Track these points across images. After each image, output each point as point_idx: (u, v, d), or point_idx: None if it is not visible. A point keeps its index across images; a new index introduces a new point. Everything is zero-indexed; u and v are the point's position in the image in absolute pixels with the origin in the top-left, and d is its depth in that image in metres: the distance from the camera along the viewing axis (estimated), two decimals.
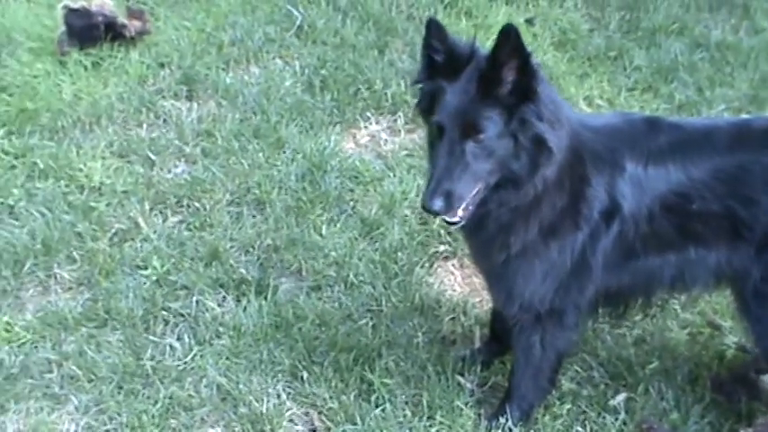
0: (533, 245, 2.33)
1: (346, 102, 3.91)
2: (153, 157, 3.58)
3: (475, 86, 2.14)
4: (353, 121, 3.84)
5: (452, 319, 2.96)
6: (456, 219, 2.19)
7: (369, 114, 3.87)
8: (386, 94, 3.94)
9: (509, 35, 2.08)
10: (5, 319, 2.83)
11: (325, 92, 3.95)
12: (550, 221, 2.30)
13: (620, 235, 2.35)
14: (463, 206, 2.17)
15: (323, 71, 4.06)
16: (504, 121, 2.13)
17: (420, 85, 2.32)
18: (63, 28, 4.13)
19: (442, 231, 3.25)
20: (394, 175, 3.51)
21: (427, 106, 2.26)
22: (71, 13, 4.12)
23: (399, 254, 3.16)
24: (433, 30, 2.18)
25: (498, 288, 2.51)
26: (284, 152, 3.60)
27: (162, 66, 4.11)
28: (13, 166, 3.48)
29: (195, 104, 3.90)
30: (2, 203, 3.31)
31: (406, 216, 3.32)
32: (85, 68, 4.05)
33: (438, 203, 2.12)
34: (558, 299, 2.41)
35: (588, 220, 2.32)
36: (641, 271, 2.45)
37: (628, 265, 2.42)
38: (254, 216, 3.31)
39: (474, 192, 2.17)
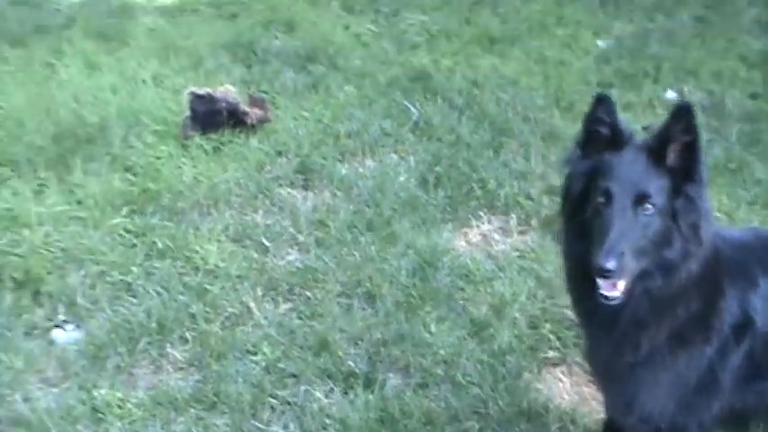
0: (660, 351, 2.27)
1: (459, 200, 3.95)
2: (267, 243, 3.65)
3: (644, 158, 2.14)
4: (466, 219, 3.87)
5: (560, 428, 2.91)
6: (616, 293, 2.13)
7: (481, 213, 3.89)
8: (499, 194, 3.97)
9: (685, 111, 2.10)
10: (119, 395, 2.89)
11: (438, 188, 4.00)
12: (681, 328, 2.24)
13: (749, 352, 2.29)
14: (626, 281, 2.11)
15: (437, 168, 4.12)
16: (669, 195, 2.12)
17: (569, 169, 2.28)
18: (187, 113, 4.30)
19: (552, 336, 3.22)
20: (504, 276, 3.50)
21: (582, 188, 2.21)
22: (196, 99, 4.29)
23: (508, 357, 3.13)
24: (603, 103, 2.19)
25: (617, 394, 2.44)
26: (396, 246, 3.63)
27: (280, 154, 4.23)
28: (134, 245, 3.59)
29: (311, 194, 3.99)
30: (121, 280, 3.40)
31: (516, 318, 3.30)
32: (206, 153, 4.19)
33: (612, 263, 2.03)
34: (681, 415, 2.35)
35: (719, 333, 2.26)
36: None
37: (754, 385, 2.36)
38: (363, 309, 3.33)
39: (638, 267, 2.11)
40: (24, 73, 4.79)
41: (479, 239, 3.79)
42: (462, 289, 3.46)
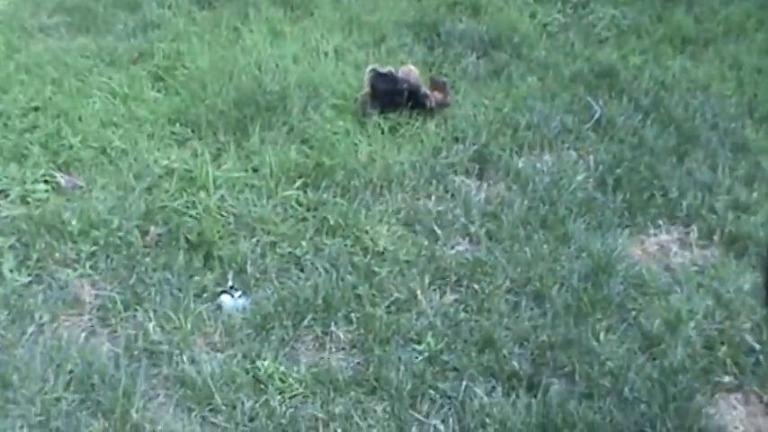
0: None
1: (638, 206, 3.82)
2: (438, 230, 3.63)
3: None
4: (644, 226, 3.75)
5: None
6: None
7: (660, 222, 3.76)
8: (681, 204, 3.83)
9: None
10: (281, 368, 2.93)
11: (617, 192, 3.89)
12: None
13: None
14: None
15: (617, 170, 4.01)
16: None
17: None
18: (367, 90, 4.31)
19: (728, 361, 3.09)
20: (681, 291, 3.38)
21: None
22: (378, 76, 4.30)
23: (680, 376, 3.02)
24: None
25: None
26: (569, 247, 3.55)
27: (456, 140, 4.19)
28: (305, 219, 3.64)
29: (485, 184, 3.95)
30: (290, 253, 3.45)
31: (691, 337, 3.18)
32: (383, 132, 4.19)
33: None
34: None
35: None
36: None
37: None
38: (531, 309, 3.27)
39: None
40: (211, 35, 4.91)
41: (656, 249, 3.66)
42: (635, 299, 3.35)
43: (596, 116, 4.40)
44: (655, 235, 3.73)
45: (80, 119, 4.11)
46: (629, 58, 4.94)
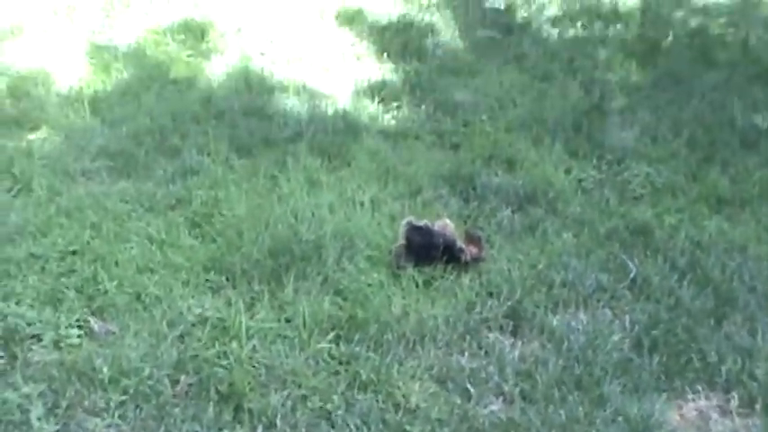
0: None
1: (675, 369, 3.80)
2: (471, 388, 3.62)
3: None
4: (681, 391, 3.71)
5: None
6: None
7: (699, 387, 3.73)
8: (719, 369, 3.80)
9: None
10: None
11: (653, 354, 3.87)
12: None
13: None
14: None
15: (653, 331, 3.99)
16: None
17: None
18: (402, 242, 4.37)
19: None
20: None
21: None
22: (413, 230, 4.36)
23: None
24: None
25: None
26: (605, 410, 3.52)
27: (491, 295, 4.21)
28: (337, 372, 3.64)
29: (519, 341, 3.94)
30: (321, 408, 3.44)
31: None
32: (417, 285, 4.23)
33: None
34: None
35: None
36: None
37: None
38: None
39: None
40: (248, 183, 5.02)
41: (695, 416, 3.62)
42: None
43: (632, 275, 4.42)
44: (693, 401, 3.69)
45: (116, 264, 4.17)
46: (664, 217, 4.98)
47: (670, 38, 7.85)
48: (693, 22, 8.38)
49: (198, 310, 3.90)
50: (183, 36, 7.00)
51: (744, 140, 6.04)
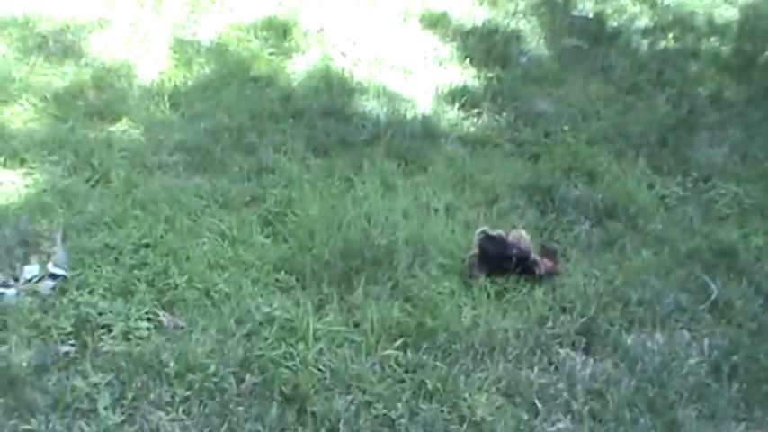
0: None
1: (756, 397, 3.71)
2: (539, 404, 3.59)
3: None
4: (761, 421, 3.63)
5: None
6: None
7: None
8: None
9: None
10: None
11: (732, 380, 3.79)
12: None
13: None
14: None
15: (734, 357, 3.91)
16: None
17: None
18: (476, 251, 4.35)
19: None
20: None
21: None
22: (487, 239, 4.33)
23: None
24: None
25: None
26: None
27: (564, 310, 4.17)
28: (402, 380, 3.64)
29: (591, 359, 3.89)
30: (385, 415, 3.44)
31: None
32: (488, 296, 4.20)
33: None
34: None
35: None
36: None
37: None
38: None
39: None
40: (323, 184, 5.04)
41: None
42: None
43: (713, 297, 4.33)
44: None
45: (188, 259, 4.23)
46: (751, 239, 4.87)
47: (767, 52, 7.67)
48: None
49: (266, 309, 3.94)
50: (265, 33, 7.05)
51: None
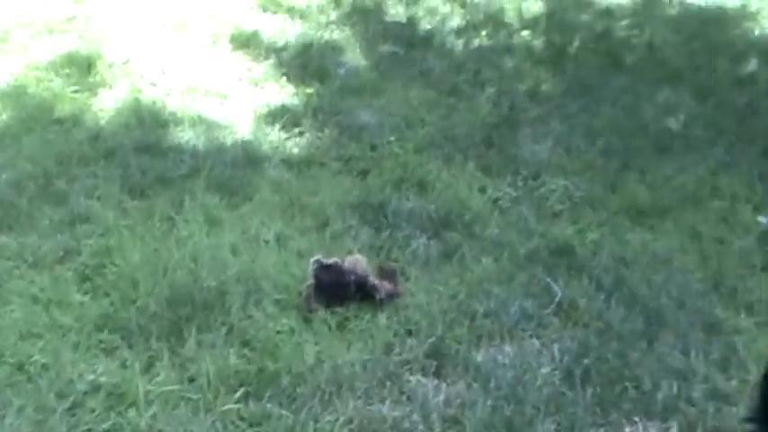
0: None
1: (610, 400, 3.60)
2: None
3: None
4: (618, 424, 3.51)
5: None
6: None
7: (636, 419, 3.54)
8: (656, 395, 3.62)
9: None
10: None
11: (586, 385, 3.66)
12: None
13: None
14: None
15: (584, 360, 3.80)
16: None
17: None
18: (311, 282, 4.09)
19: None
20: None
21: None
22: (322, 268, 4.09)
23: None
24: None
25: None
26: None
27: (410, 333, 3.96)
28: None
29: (443, 384, 3.69)
30: None
31: None
32: (330, 328, 3.96)
33: None
34: None
35: None
36: None
37: None
38: None
39: None
40: (143, 227, 4.68)
41: None
42: None
43: (557, 299, 4.22)
44: None
45: None
46: (585, 233, 4.81)
47: (576, 43, 7.73)
48: (599, 26, 8.27)
49: (90, 377, 3.57)
50: (67, 70, 6.60)
51: (658, 145, 5.92)
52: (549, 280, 4.35)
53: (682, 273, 4.49)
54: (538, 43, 7.75)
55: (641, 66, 7.41)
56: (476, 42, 7.71)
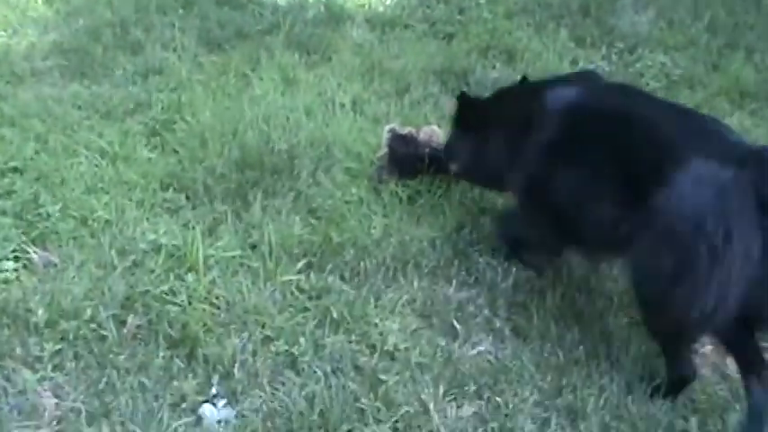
0: None
1: None
2: (457, 325, 3.23)
3: None
4: None
5: None
6: None
7: None
8: None
9: None
10: None
11: None
12: None
13: None
14: None
15: None
16: None
17: None
18: (385, 151, 3.92)
19: None
20: None
21: None
22: (396, 138, 3.91)
23: None
24: None
25: None
26: (608, 356, 3.13)
27: (483, 212, 3.80)
28: (306, 308, 3.25)
29: (513, 268, 3.53)
30: (286, 351, 3.06)
31: None
32: (400, 201, 3.81)
33: None
34: None
35: None
36: None
37: None
38: (562, 428, 2.86)
39: None
40: (217, 83, 4.56)
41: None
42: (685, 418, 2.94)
43: None
44: None
45: (62, 183, 3.76)
46: None
47: None
48: None
49: (152, 237, 3.50)
50: None
51: None
52: None
53: None
54: None
55: None
56: None
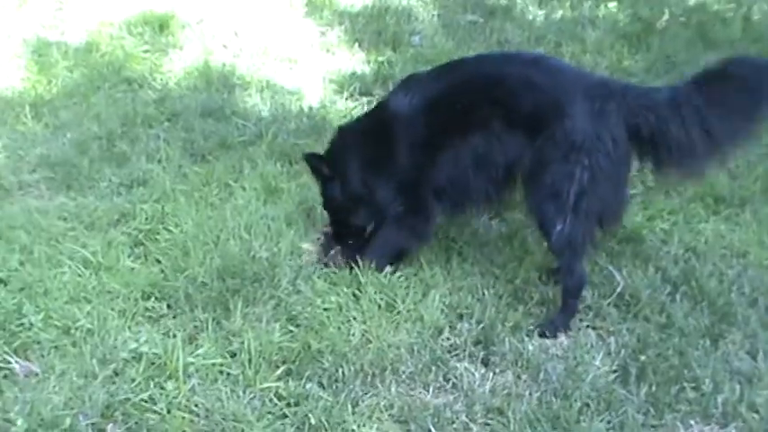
0: None
1: (665, 401, 3.48)
2: (434, 430, 3.29)
3: None
4: (673, 427, 3.39)
5: None
6: None
7: (692, 422, 3.41)
8: (716, 399, 3.47)
9: None
10: None
11: (641, 383, 3.54)
12: None
13: None
14: None
15: (642, 356, 3.67)
16: None
17: None
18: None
19: None
20: None
21: None
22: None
23: None
24: None
25: None
26: None
27: (461, 317, 3.90)
28: (284, 415, 3.32)
29: (491, 373, 3.62)
30: None
31: None
32: (379, 307, 3.91)
33: None
34: None
35: None
36: None
37: None
38: None
39: None
40: (200, 193, 4.70)
41: None
42: None
43: (618, 289, 4.08)
44: None
45: (45, 293, 3.86)
46: (655, 221, 4.65)
47: (666, 17, 7.45)
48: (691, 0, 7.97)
49: (133, 345, 3.59)
50: (140, 29, 6.64)
51: None
52: (611, 268, 4.22)
53: (757, 268, 4.30)
54: (624, 16, 7.50)
55: (734, 42, 7.09)
56: (558, 13, 7.50)
